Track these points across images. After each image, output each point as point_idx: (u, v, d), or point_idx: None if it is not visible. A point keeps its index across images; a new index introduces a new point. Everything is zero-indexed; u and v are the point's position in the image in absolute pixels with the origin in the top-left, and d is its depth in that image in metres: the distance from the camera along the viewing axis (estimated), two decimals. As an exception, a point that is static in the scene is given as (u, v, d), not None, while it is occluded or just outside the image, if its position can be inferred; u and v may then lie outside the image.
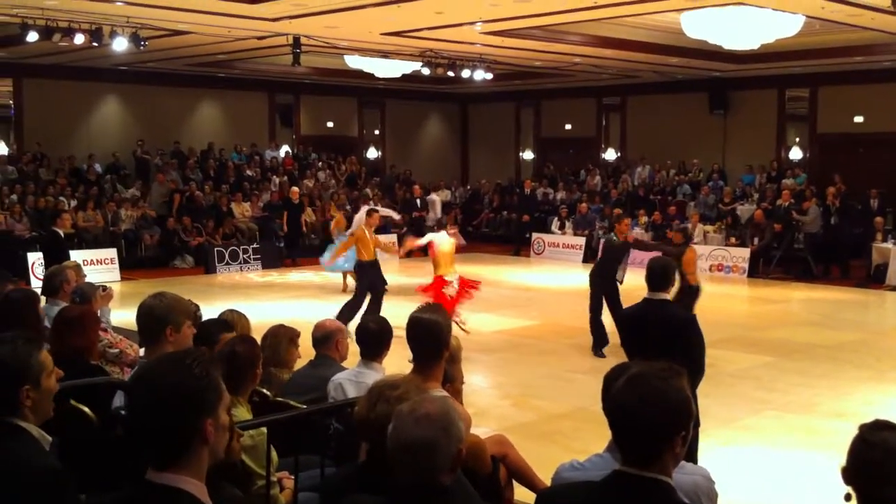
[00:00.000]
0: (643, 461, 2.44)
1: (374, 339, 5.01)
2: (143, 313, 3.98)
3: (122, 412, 3.89)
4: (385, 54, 19.36)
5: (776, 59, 19.15)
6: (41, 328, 5.77)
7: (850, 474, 2.73)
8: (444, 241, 11.56)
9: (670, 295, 6.11)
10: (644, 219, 20.67)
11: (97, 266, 17.08)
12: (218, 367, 2.27)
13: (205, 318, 5.73)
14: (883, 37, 16.24)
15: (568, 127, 27.57)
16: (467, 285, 11.67)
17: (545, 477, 3.75)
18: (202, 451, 2.19)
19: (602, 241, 20.15)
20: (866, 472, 2.70)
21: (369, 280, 11.92)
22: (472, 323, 12.69)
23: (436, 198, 24.02)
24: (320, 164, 25.39)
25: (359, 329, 5.11)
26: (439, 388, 3.89)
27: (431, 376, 3.89)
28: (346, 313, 11.08)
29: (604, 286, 10.77)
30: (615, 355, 9.71)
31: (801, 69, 20.83)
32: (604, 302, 10.74)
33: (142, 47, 15.75)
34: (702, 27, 14.14)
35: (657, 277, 5.82)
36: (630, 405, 2.45)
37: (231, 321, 5.48)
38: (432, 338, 3.91)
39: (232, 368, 4.14)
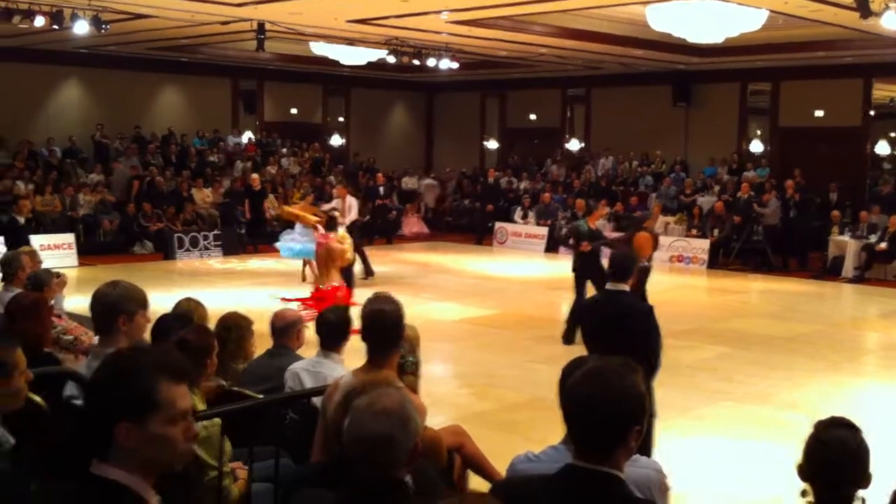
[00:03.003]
0: (596, 455, 2.45)
1: (334, 330, 5.01)
2: (97, 302, 3.94)
3: (73, 401, 3.84)
4: (350, 42, 19.23)
5: (739, 52, 19.28)
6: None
7: (806, 472, 2.77)
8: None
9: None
10: (606, 209, 20.75)
11: (55, 251, 16.82)
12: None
13: (164, 305, 5.67)
14: (844, 32, 16.40)
15: (533, 117, 27.59)
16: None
17: (502, 466, 3.75)
18: None
19: (564, 230, 20.40)
20: (822, 471, 2.73)
21: None
22: (434, 311, 12.69)
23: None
24: (284, 150, 25.22)
25: (318, 319, 5.10)
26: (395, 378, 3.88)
27: (387, 366, 3.87)
28: None
29: (589, 277, 10.74)
30: (578, 345, 9.77)
31: (763, 63, 21.01)
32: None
33: (103, 31, 15.51)
34: (667, 20, 14.21)
35: (617, 269, 5.88)
36: (585, 399, 2.46)
37: (189, 311, 5.43)
38: (388, 328, 3.89)
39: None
